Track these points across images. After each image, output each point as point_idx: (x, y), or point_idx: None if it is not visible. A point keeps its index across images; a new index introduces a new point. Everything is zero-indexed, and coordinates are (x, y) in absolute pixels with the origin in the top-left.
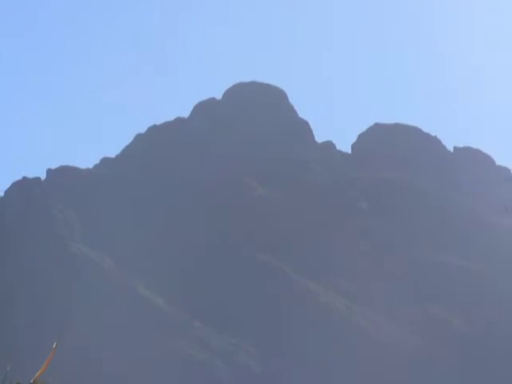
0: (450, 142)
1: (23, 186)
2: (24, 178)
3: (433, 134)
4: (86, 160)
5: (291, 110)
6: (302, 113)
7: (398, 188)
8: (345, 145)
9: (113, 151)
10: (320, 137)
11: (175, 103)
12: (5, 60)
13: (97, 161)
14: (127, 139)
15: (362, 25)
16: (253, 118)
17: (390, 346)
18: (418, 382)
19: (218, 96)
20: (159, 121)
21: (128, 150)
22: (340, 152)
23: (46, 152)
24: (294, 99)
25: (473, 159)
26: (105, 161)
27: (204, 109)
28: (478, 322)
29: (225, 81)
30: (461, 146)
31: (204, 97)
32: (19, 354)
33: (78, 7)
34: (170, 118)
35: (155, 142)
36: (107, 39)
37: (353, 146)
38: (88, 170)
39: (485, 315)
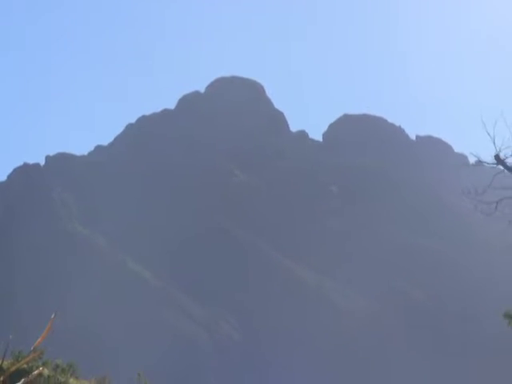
0: (413, 131)
1: (24, 171)
2: (25, 164)
3: (397, 124)
4: (81, 147)
5: (268, 102)
6: (278, 104)
7: (365, 173)
8: (317, 134)
9: (105, 139)
10: (294, 126)
11: (162, 96)
12: (3, 60)
13: (91, 148)
14: (118, 129)
15: (332, 23)
16: (233, 109)
17: (357, 317)
18: (381, 348)
19: (202, 89)
20: (148, 112)
21: (119, 138)
22: (312, 140)
23: (44, 140)
24: (270, 92)
25: (433, 147)
26: (98, 148)
27: (188, 101)
28: (436, 295)
29: (207, 75)
30: (422, 134)
31: (188, 90)
32: (20, 323)
33: (75, 5)
34: (158, 109)
35: (144, 132)
36: (102, 37)
37: (324, 135)
38: (83, 156)
39: (442, 289)
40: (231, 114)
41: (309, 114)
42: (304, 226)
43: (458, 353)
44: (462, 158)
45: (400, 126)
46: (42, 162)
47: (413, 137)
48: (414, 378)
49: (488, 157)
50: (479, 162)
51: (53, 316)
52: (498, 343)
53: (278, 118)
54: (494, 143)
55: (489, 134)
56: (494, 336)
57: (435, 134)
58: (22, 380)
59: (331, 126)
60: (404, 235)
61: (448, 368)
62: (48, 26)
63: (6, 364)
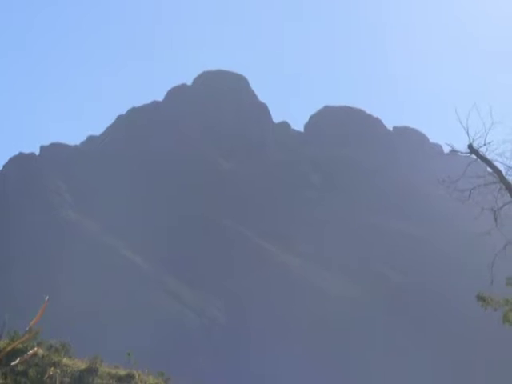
0: (390, 122)
1: (20, 161)
2: (20, 154)
3: (375, 116)
4: (74, 137)
5: (252, 95)
6: (262, 97)
7: (345, 162)
8: (298, 124)
9: (97, 130)
10: (277, 117)
11: (151, 88)
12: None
13: (83, 138)
14: (110, 120)
15: (313, 19)
16: (219, 101)
17: (337, 299)
18: (362, 329)
19: (189, 82)
20: (137, 104)
21: (110, 128)
22: (294, 131)
23: (39, 131)
24: (254, 85)
25: (410, 137)
26: (90, 138)
27: (176, 93)
28: (412, 277)
29: (194, 69)
30: (399, 125)
31: (176, 83)
32: (16, 305)
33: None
34: (147, 101)
35: (134, 122)
36: (94, 32)
37: (305, 126)
38: (76, 146)
39: (418, 271)
40: (217, 106)
41: (291, 106)
42: (286, 214)
43: (434, 332)
44: (437, 147)
45: (378, 118)
46: (37, 152)
47: (390, 127)
48: (393, 357)
49: (462, 147)
50: (453, 152)
51: (46, 299)
52: (471, 322)
53: (262, 110)
54: (468, 133)
55: (462, 124)
56: (465, 315)
57: (411, 125)
58: (18, 359)
59: (312, 118)
60: (382, 221)
61: (426, 348)
62: (39, 21)
63: (2, 344)
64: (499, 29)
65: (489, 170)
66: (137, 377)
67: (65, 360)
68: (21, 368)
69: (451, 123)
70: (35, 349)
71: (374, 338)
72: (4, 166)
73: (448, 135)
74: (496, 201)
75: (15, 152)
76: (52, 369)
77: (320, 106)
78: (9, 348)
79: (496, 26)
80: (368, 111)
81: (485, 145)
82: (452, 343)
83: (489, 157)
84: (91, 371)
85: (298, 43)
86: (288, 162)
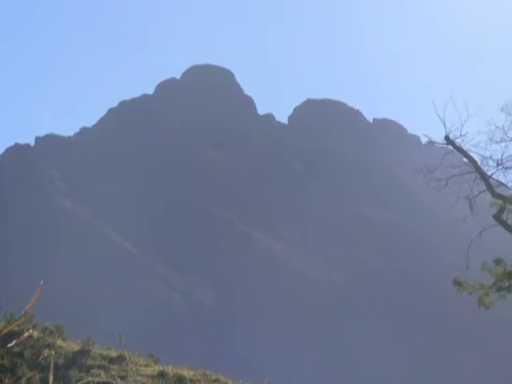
0: (370, 114)
1: (16, 151)
2: (16, 144)
3: (356, 108)
4: (67, 129)
5: (238, 88)
6: (247, 90)
7: (327, 153)
8: (282, 116)
9: (90, 122)
10: (262, 110)
11: (141, 82)
12: None
13: (76, 130)
14: (102, 112)
15: (296, 14)
16: (206, 94)
17: (320, 283)
18: (343, 312)
19: (177, 76)
20: (128, 97)
21: (102, 121)
22: (278, 123)
23: (34, 122)
24: (240, 79)
25: (389, 128)
26: (83, 130)
27: (165, 87)
28: (391, 262)
29: (182, 63)
30: (379, 117)
31: (165, 77)
32: (13, 289)
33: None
34: (137, 94)
35: (125, 115)
36: (88, 28)
37: (289, 118)
38: (69, 137)
39: (397, 257)
40: (204, 99)
41: (275, 99)
42: (271, 201)
43: (412, 314)
44: (415, 138)
45: (358, 110)
46: (32, 143)
47: (370, 119)
48: (373, 338)
49: (439, 138)
50: (431, 143)
51: (41, 283)
52: (447, 305)
53: (247, 102)
54: (445, 125)
55: (439, 116)
56: (442, 298)
57: (390, 117)
58: (14, 341)
59: (296, 110)
60: (362, 209)
61: (404, 328)
62: (33, 17)
63: None
64: (473, 26)
65: (464, 160)
66: (128, 358)
67: (59, 342)
68: (17, 349)
69: (429, 115)
70: (30, 331)
71: (355, 320)
72: (1, 156)
73: (425, 127)
74: (471, 189)
75: (11, 143)
76: (47, 350)
77: (303, 98)
78: (5, 330)
79: (469, 23)
80: (349, 104)
81: (460, 136)
82: (429, 324)
83: (464, 147)
84: (84, 353)
85: (282, 39)
86: (273, 152)
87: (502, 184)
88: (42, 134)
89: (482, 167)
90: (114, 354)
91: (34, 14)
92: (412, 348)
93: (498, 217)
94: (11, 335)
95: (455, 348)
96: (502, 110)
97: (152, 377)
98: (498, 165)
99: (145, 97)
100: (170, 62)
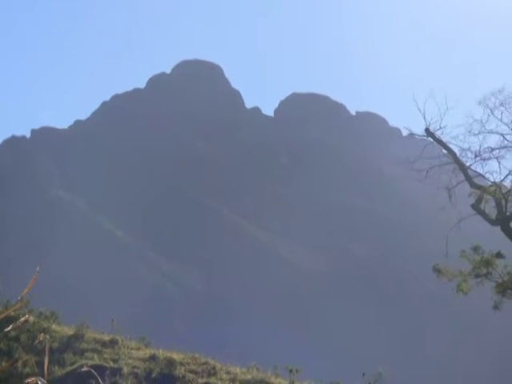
0: (353, 107)
1: (12, 143)
2: (13, 136)
3: (339, 102)
4: (62, 121)
5: (226, 82)
6: (235, 84)
7: (311, 145)
8: (269, 110)
9: (83, 115)
10: (249, 103)
11: (133, 76)
12: None
13: (71, 122)
14: (95, 105)
15: (281, 11)
16: (195, 88)
17: (304, 270)
18: (326, 298)
19: (168, 70)
20: (120, 91)
21: (96, 114)
22: (265, 116)
23: (30, 115)
24: (228, 73)
25: (371, 121)
26: (77, 123)
27: (156, 81)
28: (373, 250)
29: (173, 58)
30: (361, 110)
31: (156, 71)
32: (9, 276)
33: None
34: (129, 88)
35: (117, 108)
36: (81, 25)
37: (275, 111)
38: (64, 129)
39: (379, 245)
40: (194, 93)
41: (262, 92)
42: (257, 191)
43: (393, 300)
44: (396, 131)
45: (342, 103)
46: (28, 135)
47: (353, 112)
48: (356, 324)
49: (419, 130)
50: (411, 135)
51: (37, 270)
52: (427, 292)
53: (235, 96)
54: (425, 118)
55: (420, 110)
56: (423, 285)
57: (373, 110)
58: (11, 326)
59: (282, 103)
60: (345, 199)
61: (385, 313)
62: (27, 8)
63: None
64: (448, 16)
65: (444, 151)
66: (120, 342)
67: (54, 326)
68: (13, 334)
69: (409, 108)
70: (26, 316)
71: (339, 305)
72: None
73: (406, 119)
74: (450, 180)
75: (8, 135)
76: (42, 334)
77: (288, 92)
78: (2, 316)
79: (445, 13)
80: (333, 98)
81: (440, 128)
82: (410, 308)
83: (444, 139)
84: (78, 337)
85: (269, 35)
86: (259, 144)
87: (479, 175)
88: (37, 126)
89: (460, 158)
90: (106, 338)
91: (28, 8)
92: (395, 332)
93: (475, 206)
94: (8, 320)
95: (436, 331)
96: (479, 103)
97: (143, 360)
98: (476, 156)
99: (136, 90)
100: (161, 57)
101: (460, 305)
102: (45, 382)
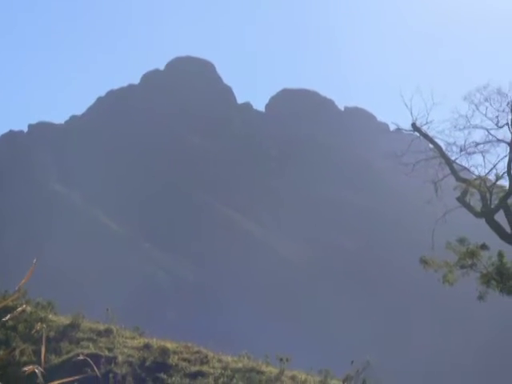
0: (342, 102)
1: (10, 137)
2: (10, 131)
3: (328, 97)
4: (58, 117)
5: (218, 79)
6: (227, 80)
7: (301, 139)
8: (260, 105)
9: (79, 110)
10: (240, 99)
11: (128, 73)
12: None
13: (67, 117)
14: (90, 101)
15: (271, 9)
16: (188, 84)
17: (295, 263)
18: (315, 290)
19: (161, 67)
20: (115, 86)
21: (91, 109)
22: (256, 111)
23: (27, 110)
24: (220, 70)
25: (359, 116)
26: (73, 118)
27: (150, 77)
28: (363, 242)
29: (166, 55)
30: (350, 106)
31: (150, 68)
32: (7, 268)
33: None
34: (124, 84)
35: (112, 103)
36: (75, 21)
37: (266, 106)
38: (60, 124)
39: (367, 237)
40: (186, 89)
41: (253, 88)
42: (249, 185)
43: (382, 290)
44: (384, 126)
45: (331, 99)
46: (25, 129)
47: (342, 108)
48: (344, 313)
49: (406, 125)
50: (398, 130)
51: (34, 261)
52: (414, 283)
53: (227, 92)
54: (412, 113)
55: (407, 105)
56: (410, 276)
57: (361, 106)
58: (8, 315)
59: (272, 99)
60: (334, 192)
61: (373, 303)
62: (23, 5)
63: None
64: (435, 13)
65: (430, 146)
66: (115, 331)
67: (50, 316)
68: (11, 323)
69: (396, 104)
70: (24, 306)
71: (328, 296)
72: None
73: (393, 115)
74: (437, 173)
75: (5, 130)
76: (39, 324)
77: (279, 88)
78: (0, 306)
79: (432, 10)
80: (322, 93)
81: (426, 123)
82: (397, 298)
83: (430, 134)
84: (74, 326)
85: (259, 33)
86: (251, 139)
87: (465, 168)
88: (34, 121)
89: (446, 153)
90: (101, 327)
91: (26, 6)
92: (383, 322)
93: (461, 199)
94: (6, 310)
95: (422, 321)
96: (464, 99)
97: (137, 348)
98: (461, 150)
99: (131, 86)
100: (154, 54)
101: (446, 295)
102: (42, 369)
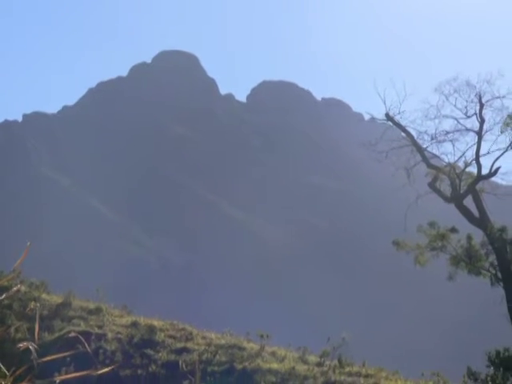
0: (319, 94)
1: (5, 127)
2: (5, 121)
3: (306, 88)
4: (51, 107)
5: (202, 71)
6: (210, 73)
7: (281, 128)
8: (241, 96)
9: (71, 101)
10: (223, 90)
11: (117, 66)
12: None
13: (59, 108)
14: (81, 92)
15: (252, 1)
16: (174, 77)
17: (274, 244)
18: (294, 269)
19: (148, 60)
20: (105, 78)
21: (82, 99)
22: (238, 101)
23: (21, 101)
24: (203, 63)
25: (335, 107)
26: (65, 108)
27: (138, 70)
28: (338, 225)
29: (152, 49)
30: (327, 97)
31: (138, 61)
32: (2, 250)
33: None
34: (113, 76)
35: (102, 94)
36: (69, 17)
37: (247, 97)
38: (53, 114)
39: (343, 220)
40: (172, 81)
41: (235, 80)
42: (231, 172)
43: (356, 270)
44: (359, 115)
45: (308, 90)
46: (20, 119)
47: (319, 98)
48: (320, 294)
49: (380, 115)
50: (372, 119)
51: (28, 244)
52: (387, 264)
53: (210, 84)
54: (385, 104)
55: (380, 96)
56: (384, 257)
57: (337, 97)
58: (4, 295)
59: (253, 90)
60: (312, 179)
61: (349, 283)
62: (19, 2)
63: None
64: (407, 11)
65: (402, 134)
66: (104, 310)
67: (44, 295)
68: (6, 302)
69: (371, 95)
70: (19, 286)
71: (306, 276)
72: None
73: (368, 105)
74: (409, 161)
75: (1, 119)
76: (33, 303)
77: (259, 80)
78: None
79: (403, 8)
80: (300, 85)
81: (399, 113)
82: (371, 278)
83: (402, 123)
84: (66, 305)
85: (240, 27)
86: (233, 128)
87: (435, 156)
88: (28, 111)
89: (418, 141)
90: (92, 306)
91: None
92: (358, 300)
93: (432, 185)
94: (1, 289)
95: (395, 300)
96: (435, 90)
97: (126, 326)
98: (432, 139)
99: (120, 78)
100: (142, 48)
101: (418, 276)
102: (36, 346)
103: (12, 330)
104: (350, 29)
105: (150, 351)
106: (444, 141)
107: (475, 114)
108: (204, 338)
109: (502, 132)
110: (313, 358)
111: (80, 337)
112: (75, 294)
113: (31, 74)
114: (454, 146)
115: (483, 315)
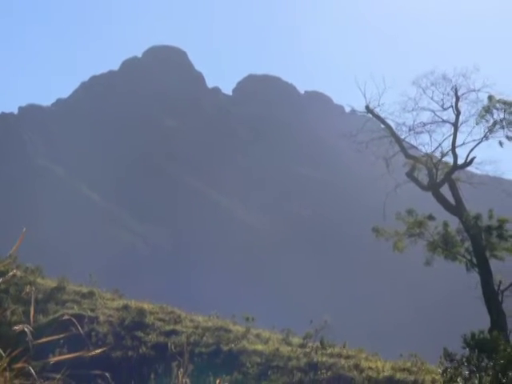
0: (302, 87)
1: (1, 119)
2: (2, 113)
3: (290, 82)
4: (46, 99)
5: (190, 65)
6: (198, 66)
7: (266, 120)
8: (228, 89)
9: (65, 94)
10: (210, 83)
11: (109, 60)
12: None
13: (53, 100)
14: (75, 85)
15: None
16: (163, 70)
17: (259, 230)
18: (277, 255)
19: (139, 55)
20: (98, 72)
21: (76, 92)
22: (224, 94)
23: (17, 93)
24: (192, 57)
25: (318, 99)
26: (59, 101)
27: (129, 64)
28: (319, 213)
29: (143, 44)
30: (309, 90)
31: (129, 55)
32: None
33: None
34: (105, 70)
35: (95, 87)
36: (62, 13)
37: (233, 91)
38: (48, 106)
39: (324, 208)
40: (162, 74)
41: (221, 74)
42: (219, 162)
43: (337, 257)
44: (340, 108)
45: (292, 84)
46: (16, 111)
47: (302, 91)
48: (302, 279)
49: (360, 107)
50: (353, 111)
51: (24, 230)
52: (367, 250)
53: (198, 78)
54: (365, 97)
55: (361, 89)
56: (364, 244)
57: (319, 90)
58: (0, 279)
59: (239, 84)
60: (296, 168)
61: (329, 271)
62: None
63: None
64: (387, 8)
65: (382, 126)
66: (97, 294)
67: (39, 280)
68: (2, 287)
69: (351, 88)
70: (15, 271)
71: (289, 261)
72: None
73: (349, 98)
74: (387, 151)
75: None
76: (28, 287)
77: (245, 74)
78: None
79: (384, 5)
80: (284, 78)
81: (378, 106)
82: (352, 265)
83: (382, 115)
84: (60, 289)
85: (226, 22)
86: (220, 120)
87: (413, 146)
88: (24, 104)
89: (396, 132)
90: (85, 290)
91: None
92: (339, 285)
93: (410, 174)
94: None
95: (375, 284)
96: (413, 83)
97: (117, 309)
98: (410, 130)
99: (111, 73)
100: (133, 43)
101: (397, 261)
102: (31, 328)
103: (8, 313)
104: (332, 25)
105: (140, 333)
106: (421, 132)
107: (451, 106)
108: (192, 320)
109: (477, 124)
110: (296, 340)
111: (73, 319)
112: (68, 279)
113: (27, 69)
114: (431, 136)
115: (459, 299)
